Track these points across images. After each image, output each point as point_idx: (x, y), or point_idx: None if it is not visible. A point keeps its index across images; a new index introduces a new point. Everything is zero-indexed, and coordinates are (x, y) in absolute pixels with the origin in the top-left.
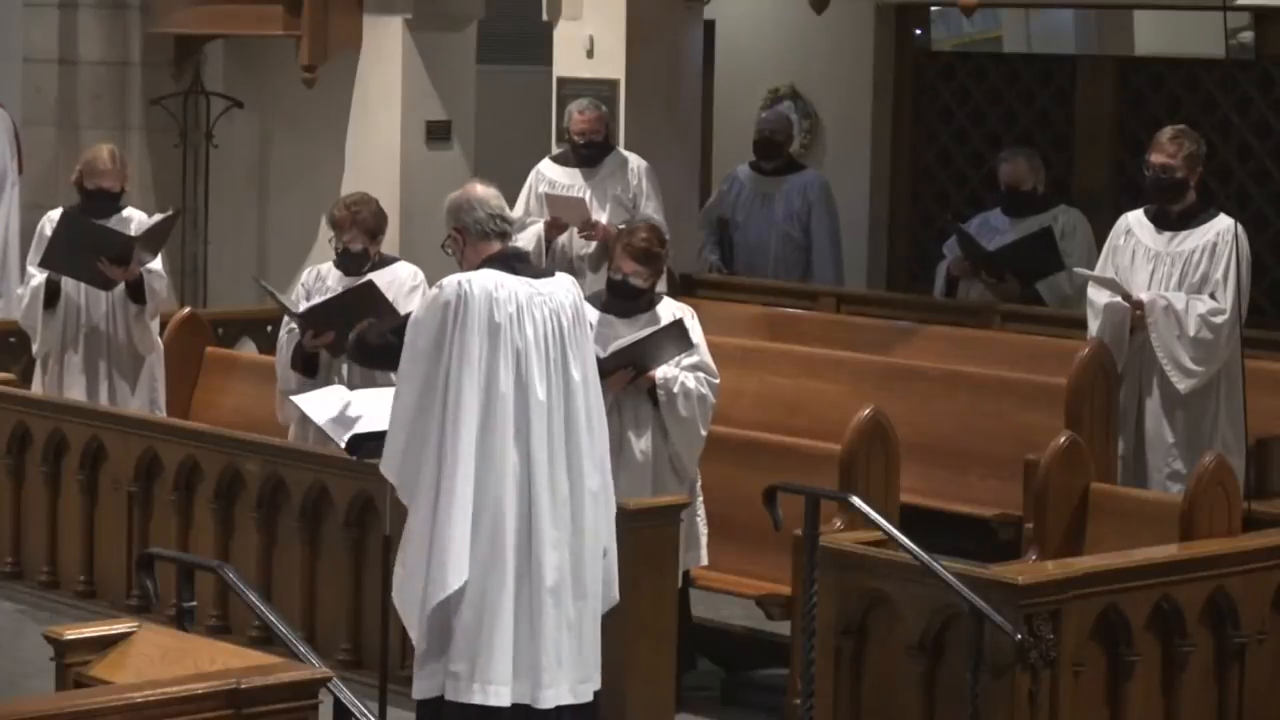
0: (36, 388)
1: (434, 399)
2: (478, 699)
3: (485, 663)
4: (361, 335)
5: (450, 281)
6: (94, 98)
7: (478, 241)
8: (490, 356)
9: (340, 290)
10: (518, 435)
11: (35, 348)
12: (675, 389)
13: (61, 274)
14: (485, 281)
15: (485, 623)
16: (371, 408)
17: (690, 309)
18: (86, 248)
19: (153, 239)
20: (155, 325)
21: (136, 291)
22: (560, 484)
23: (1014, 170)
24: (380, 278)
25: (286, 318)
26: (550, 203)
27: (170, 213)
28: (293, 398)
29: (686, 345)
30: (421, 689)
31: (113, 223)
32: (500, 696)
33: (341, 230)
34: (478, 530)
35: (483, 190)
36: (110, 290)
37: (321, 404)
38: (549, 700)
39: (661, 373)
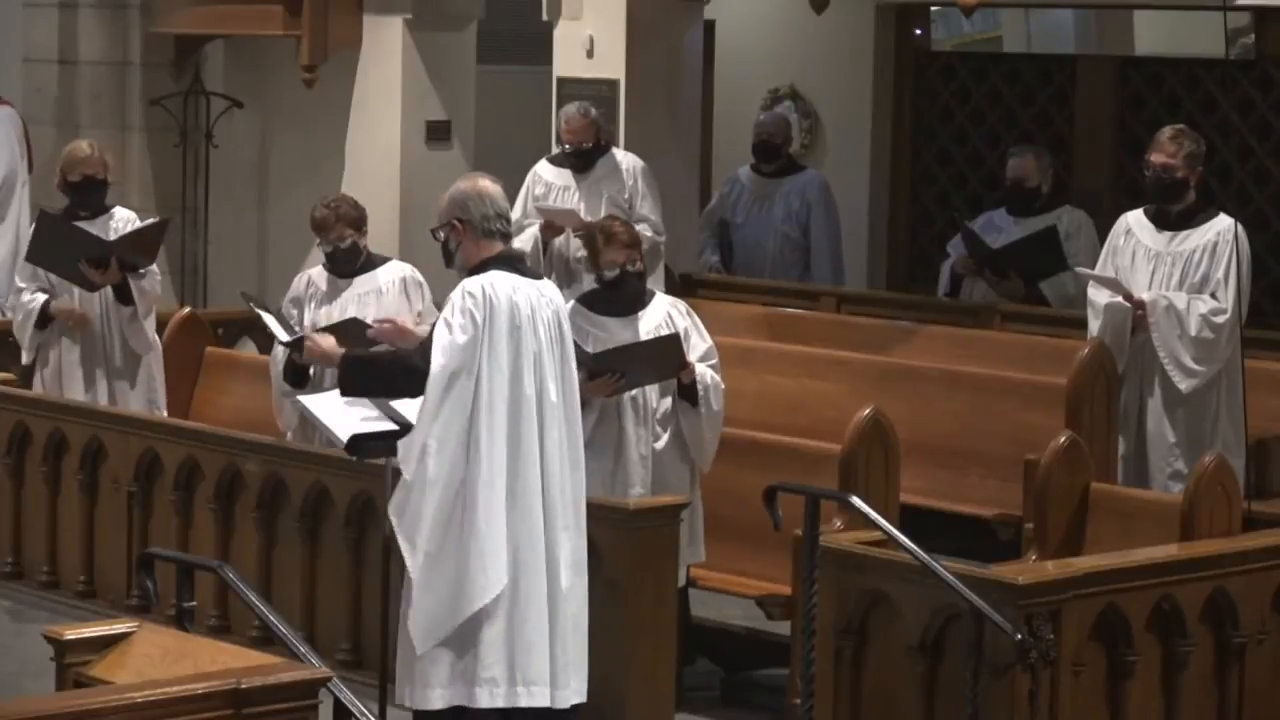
0: (37, 388)
1: (464, 401)
2: (523, 701)
3: (525, 664)
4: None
5: (474, 287)
6: (94, 98)
7: (480, 238)
8: (514, 360)
9: (328, 291)
10: (539, 436)
11: (26, 357)
12: (709, 382)
13: (48, 271)
14: (504, 285)
15: (522, 625)
16: (374, 409)
17: (684, 303)
18: (63, 249)
19: (137, 245)
20: (150, 324)
21: (123, 294)
22: (567, 484)
23: (1021, 166)
24: (363, 284)
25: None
26: (543, 214)
27: (156, 220)
28: (298, 398)
29: (676, 366)
30: (442, 698)
31: (101, 222)
32: (541, 697)
33: (327, 230)
34: (515, 533)
35: (491, 187)
36: (96, 292)
37: (325, 404)
38: (565, 700)
39: (698, 370)
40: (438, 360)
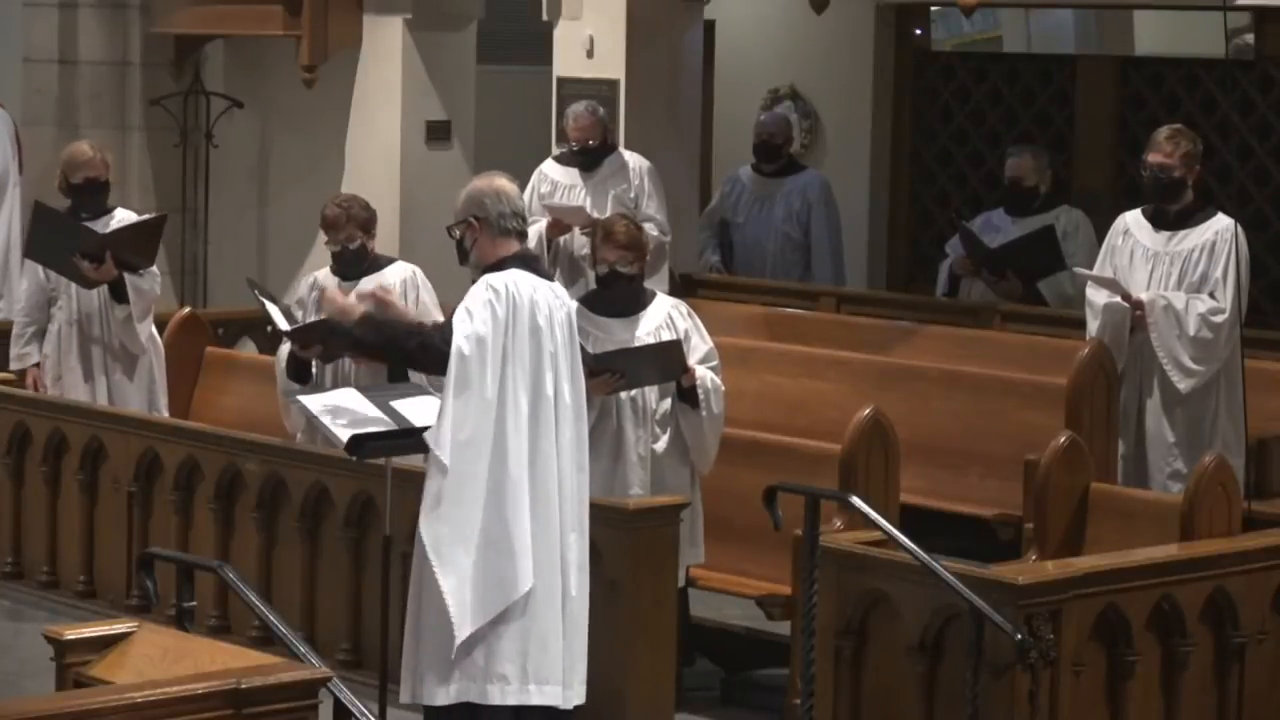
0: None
1: (488, 400)
2: (535, 700)
3: (538, 663)
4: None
5: (498, 283)
6: (94, 98)
7: (496, 237)
8: (535, 359)
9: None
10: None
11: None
12: (709, 385)
13: (44, 266)
14: (526, 285)
15: (536, 624)
16: (375, 409)
17: (685, 304)
18: (59, 241)
19: (134, 240)
20: (148, 326)
21: (118, 292)
22: (574, 484)
23: (1019, 165)
24: (369, 285)
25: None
26: (551, 211)
27: (154, 216)
28: (299, 398)
29: (678, 370)
30: (451, 694)
31: (102, 223)
32: (554, 696)
33: (337, 229)
34: (536, 530)
35: (508, 186)
36: (92, 289)
37: (325, 404)
38: (572, 700)
39: (699, 374)
40: (459, 345)
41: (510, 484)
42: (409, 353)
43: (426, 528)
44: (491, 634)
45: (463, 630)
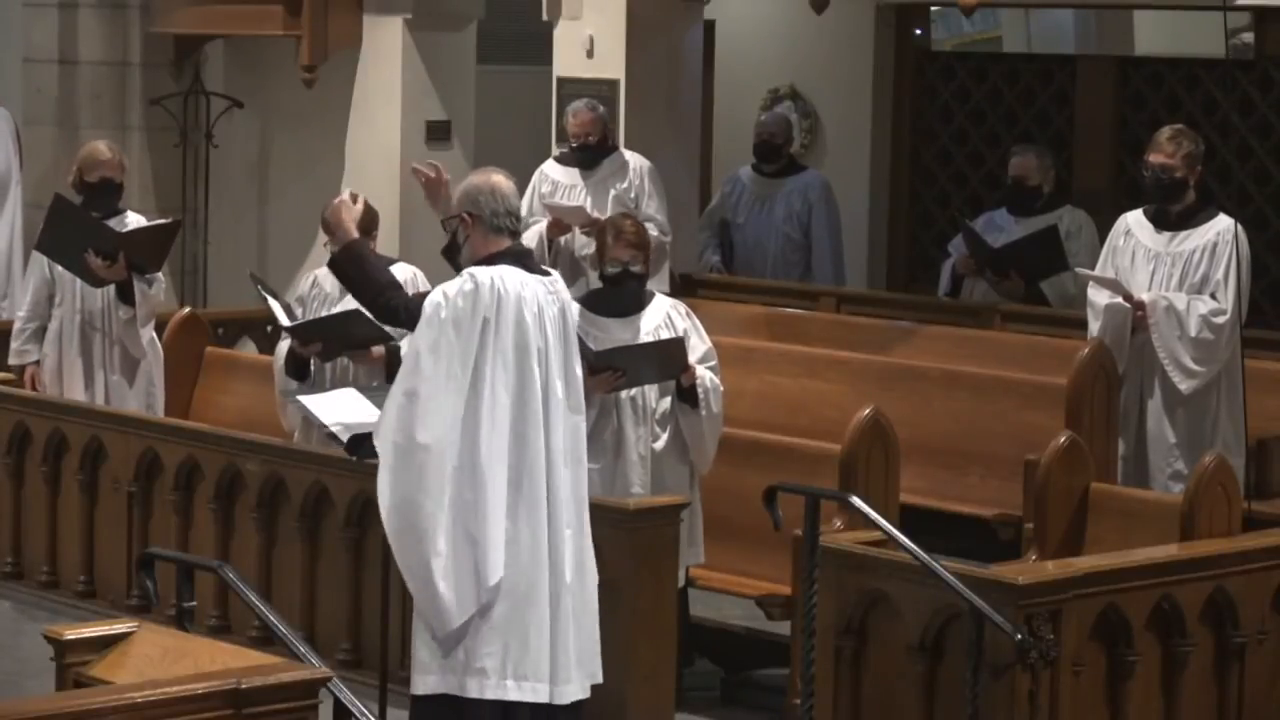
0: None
1: (463, 391)
2: (512, 695)
3: (519, 659)
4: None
5: (483, 276)
6: (94, 98)
7: (489, 234)
8: (520, 353)
9: (336, 295)
10: (544, 431)
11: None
12: (708, 384)
13: (54, 261)
14: (513, 279)
15: (520, 619)
16: (375, 409)
17: (684, 304)
18: (74, 237)
19: (148, 243)
20: (149, 331)
21: (125, 294)
22: (567, 479)
23: (1023, 164)
24: None
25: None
26: (551, 211)
27: (169, 220)
28: (299, 398)
29: (678, 368)
30: (431, 684)
31: (113, 224)
32: (532, 692)
33: (333, 231)
34: (518, 525)
35: (504, 183)
36: (100, 288)
37: (325, 404)
38: (567, 696)
39: (698, 373)
40: (423, 331)
41: (481, 478)
42: (371, 302)
43: (386, 524)
44: (473, 628)
45: (445, 624)
